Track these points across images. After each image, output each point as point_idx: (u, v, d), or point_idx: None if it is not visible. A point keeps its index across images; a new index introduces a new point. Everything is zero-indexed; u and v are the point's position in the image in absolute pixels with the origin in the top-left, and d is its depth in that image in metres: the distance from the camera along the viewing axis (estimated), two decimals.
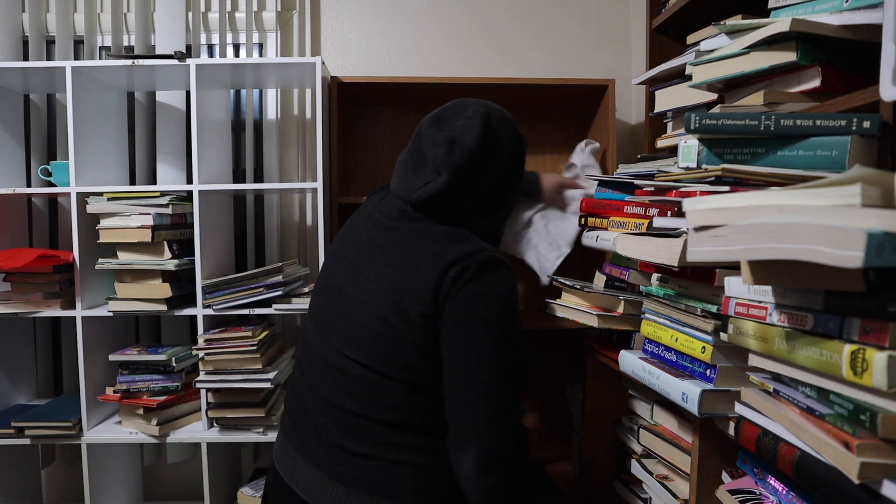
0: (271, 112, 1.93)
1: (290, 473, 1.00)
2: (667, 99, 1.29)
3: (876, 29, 0.77)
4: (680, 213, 0.98)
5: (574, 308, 1.36)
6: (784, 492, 0.83)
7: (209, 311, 1.59)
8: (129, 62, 1.58)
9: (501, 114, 1.07)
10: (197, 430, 1.63)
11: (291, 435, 1.02)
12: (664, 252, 0.94)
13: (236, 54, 2.01)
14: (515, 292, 0.97)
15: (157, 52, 1.84)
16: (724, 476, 0.99)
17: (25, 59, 1.91)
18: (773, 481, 0.86)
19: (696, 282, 0.93)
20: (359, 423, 0.94)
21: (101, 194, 1.60)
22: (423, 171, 1.01)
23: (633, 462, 1.35)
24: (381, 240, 1.01)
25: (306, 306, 1.60)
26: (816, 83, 0.87)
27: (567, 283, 1.42)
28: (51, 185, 1.83)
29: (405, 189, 1.03)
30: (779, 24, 0.86)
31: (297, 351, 1.09)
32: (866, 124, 0.78)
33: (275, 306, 1.60)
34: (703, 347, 0.90)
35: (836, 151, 0.80)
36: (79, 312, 1.60)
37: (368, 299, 0.96)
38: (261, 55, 1.99)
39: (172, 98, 1.88)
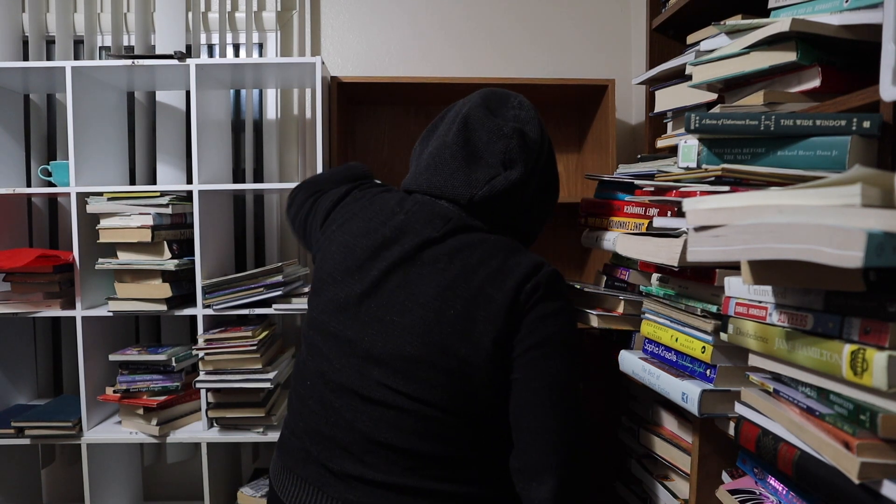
0: (271, 112, 1.93)
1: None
2: (667, 99, 1.29)
3: (876, 29, 0.77)
4: (680, 213, 0.98)
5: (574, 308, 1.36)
6: (784, 492, 0.83)
7: (209, 311, 1.59)
8: (129, 62, 1.58)
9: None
10: (197, 430, 1.63)
11: (310, 472, 0.90)
12: (664, 252, 0.94)
13: (236, 54, 2.01)
14: (574, 309, 0.93)
15: (157, 52, 1.84)
16: (724, 476, 0.99)
17: (25, 59, 1.91)
18: (773, 481, 0.86)
19: (696, 282, 0.93)
20: (407, 458, 0.85)
21: (101, 194, 1.60)
22: (482, 165, 0.93)
23: (633, 462, 1.36)
24: (426, 256, 0.89)
25: (306, 306, 1.60)
26: (816, 83, 0.87)
27: (567, 283, 1.42)
28: (51, 185, 1.83)
29: (460, 185, 0.92)
30: (779, 24, 0.86)
31: (300, 368, 0.98)
32: (866, 124, 0.78)
33: (275, 306, 1.60)
34: (703, 347, 0.90)
35: (836, 151, 0.80)
36: (79, 312, 1.60)
37: (425, 328, 0.85)
38: (261, 55, 1.99)
39: (172, 98, 1.88)
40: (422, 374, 0.85)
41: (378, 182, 1.12)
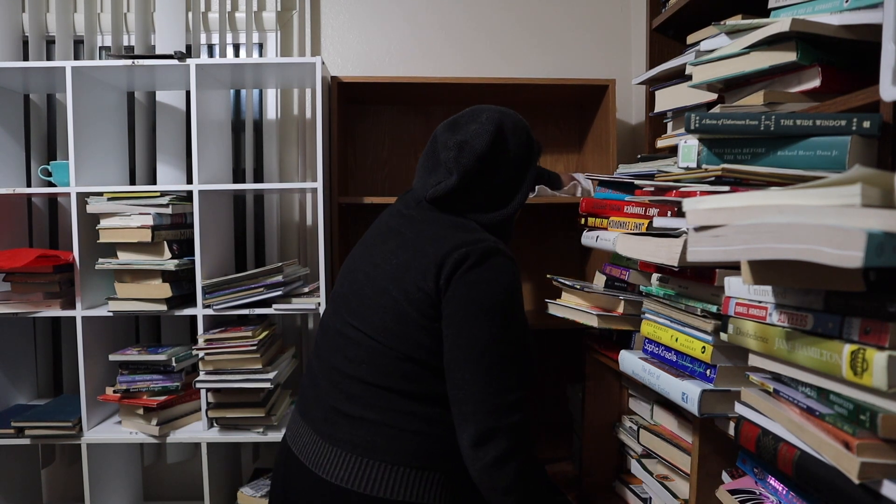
0: (271, 112, 1.93)
1: (293, 436, 1.07)
2: (667, 99, 1.29)
3: (876, 29, 0.77)
4: (680, 213, 0.98)
5: (574, 308, 1.36)
6: (784, 492, 0.83)
7: (209, 311, 1.59)
8: (129, 62, 1.58)
9: (515, 121, 1.14)
10: (197, 430, 1.63)
11: (300, 404, 1.09)
12: (664, 252, 0.94)
13: (236, 54, 2.01)
14: (516, 281, 1.01)
15: (157, 52, 1.84)
16: (724, 476, 0.99)
17: (25, 59, 1.91)
18: (773, 481, 0.86)
19: (696, 282, 0.93)
20: (353, 385, 0.99)
21: (101, 194, 1.60)
22: (437, 172, 1.10)
23: (633, 462, 1.36)
24: (396, 225, 1.10)
25: (306, 306, 1.61)
26: (816, 83, 0.87)
27: (567, 283, 1.42)
28: (51, 185, 1.83)
29: (422, 187, 1.12)
30: (779, 24, 0.86)
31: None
32: (866, 124, 0.78)
33: (275, 306, 1.60)
34: (703, 347, 0.90)
35: (836, 151, 0.80)
36: (79, 312, 1.60)
37: (376, 273, 1.04)
38: (261, 55, 1.99)
39: (172, 98, 1.88)
40: (367, 310, 1.02)
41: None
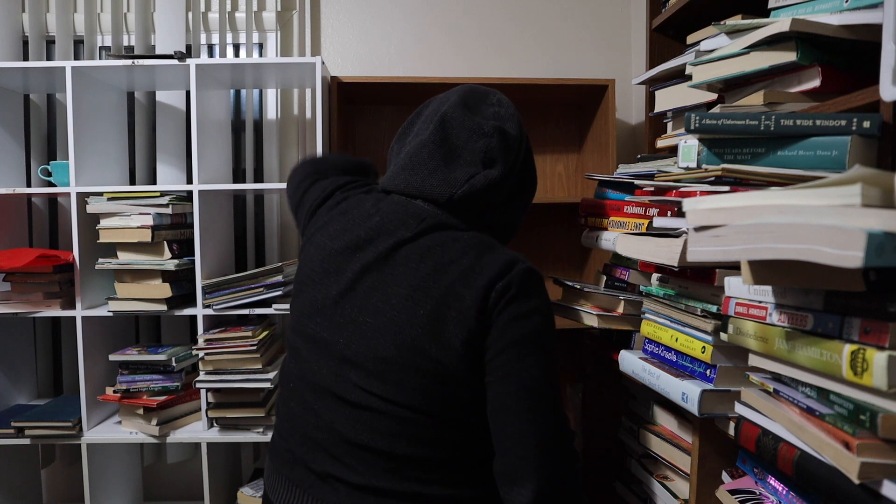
0: (271, 112, 1.93)
1: None
2: (667, 99, 1.29)
3: (876, 29, 0.77)
4: (680, 213, 0.98)
5: (574, 308, 1.36)
6: (784, 492, 0.83)
7: (209, 311, 1.59)
8: (129, 62, 1.58)
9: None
10: (197, 430, 1.63)
11: (297, 473, 0.91)
12: (664, 252, 0.94)
13: (236, 54, 2.01)
14: (551, 306, 0.90)
15: (157, 52, 1.84)
16: (724, 476, 0.99)
17: (25, 59, 1.91)
18: (773, 481, 0.86)
19: (696, 282, 0.93)
20: (385, 460, 0.85)
21: (101, 194, 1.60)
22: (461, 164, 0.91)
23: (633, 462, 1.36)
24: (398, 256, 0.88)
25: None
26: (816, 83, 0.87)
27: (567, 283, 1.42)
28: (51, 185, 1.83)
29: (436, 184, 0.91)
30: (779, 24, 0.86)
31: (285, 371, 0.97)
32: (866, 124, 0.78)
33: (275, 306, 1.60)
34: (703, 347, 0.90)
35: (836, 151, 0.80)
36: (79, 312, 1.60)
37: (395, 328, 0.84)
38: (261, 55, 1.99)
39: (172, 98, 1.88)
40: (394, 375, 0.84)
41: (366, 182, 1.09)
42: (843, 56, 0.89)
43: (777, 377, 0.78)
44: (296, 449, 0.91)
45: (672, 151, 1.27)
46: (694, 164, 0.90)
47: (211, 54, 2.01)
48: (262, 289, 1.58)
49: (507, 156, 0.93)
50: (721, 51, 1.01)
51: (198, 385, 1.57)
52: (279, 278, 1.58)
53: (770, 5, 0.98)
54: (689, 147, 0.92)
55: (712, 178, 0.88)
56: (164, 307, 1.60)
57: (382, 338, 0.85)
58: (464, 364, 0.83)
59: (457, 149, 0.92)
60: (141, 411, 1.60)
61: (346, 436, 0.85)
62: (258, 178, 1.99)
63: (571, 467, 0.84)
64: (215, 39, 1.96)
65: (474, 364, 0.84)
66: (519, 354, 0.83)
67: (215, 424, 1.64)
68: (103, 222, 1.58)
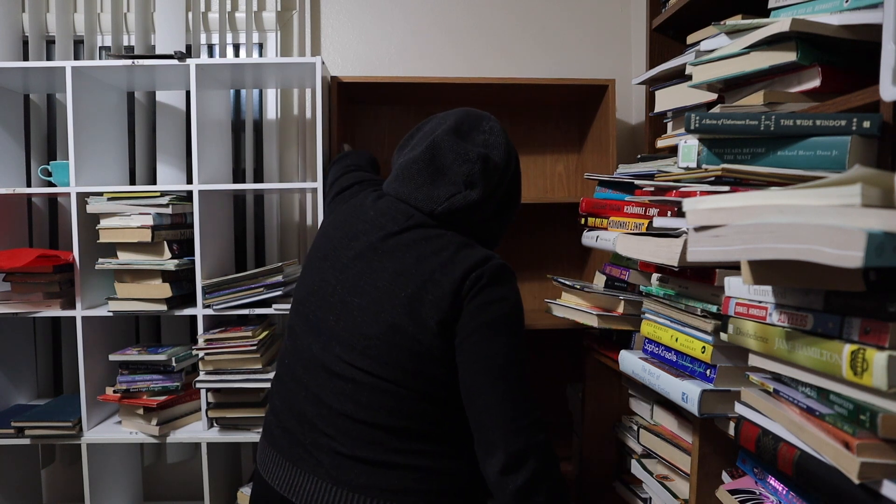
0: (271, 112, 1.93)
1: (289, 486, 0.97)
2: (667, 99, 1.29)
3: (876, 29, 0.77)
4: (680, 213, 0.98)
5: (574, 308, 1.36)
6: (784, 492, 0.83)
7: (209, 311, 1.59)
8: (129, 62, 1.58)
9: (502, 127, 1.12)
10: (197, 430, 1.63)
11: (284, 445, 0.99)
12: (664, 252, 0.94)
13: (236, 54, 2.01)
14: (520, 296, 1.00)
15: (157, 52, 1.84)
16: (724, 476, 0.99)
17: (25, 59, 1.91)
18: (773, 481, 0.86)
19: (696, 282, 0.93)
20: (368, 431, 0.93)
21: (101, 194, 1.60)
22: (444, 183, 1.02)
23: (633, 462, 1.36)
24: (386, 246, 0.99)
25: None
26: (816, 83, 0.87)
27: (567, 283, 1.42)
28: (51, 185, 1.83)
29: (423, 198, 1.03)
30: (779, 24, 0.86)
31: (282, 351, 1.07)
32: (866, 124, 0.78)
33: (275, 306, 1.60)
34: (703, 347, 0.90)
35: (836, 151, 0.80)
36: (79, 312, 1.60)
37: (379, 308, 0.95)
38: (261, 55, 1.99)
39: (172, 98, 1.88)
40: (375, 350, 0.94)
41: (378, 182, 1.21)
42: (843, 56, 0.89)
43: (777, 377, 0.78)
44: (286, 423, 0.99)
45: (672, 151, 1.27)
46: (694, 164, 0.90)
47: (211, 54, 2.01)
48: (262, 289, 1.58)
49: (487, 180, 1.03)
50: (721, 51, 1.01)
51: (198, 385, 1.57)
52: (279, 278, 1.58)
53: (770, 5, 0.98)
54: (689, 147, 0.92)
55: (712, 178, 0.88)
56: (164, 307, 1.60)
57: (367, 316, 0.95)
58: (437, 342, 0.93)
59: (444, 169, 1.03)
60: (141, 411, 1.60)
61: (331, 406, 0.95)
62: (258, 178, 1.99)
63: (537, 436, 0.91)
64: (215, 39, 1.96)
65: (447, 343, 0.94)
66: (487, 336, 0.93)
67: (215, 424, 1.64)
68: (103, 222, 1.58)
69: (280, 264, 1.61)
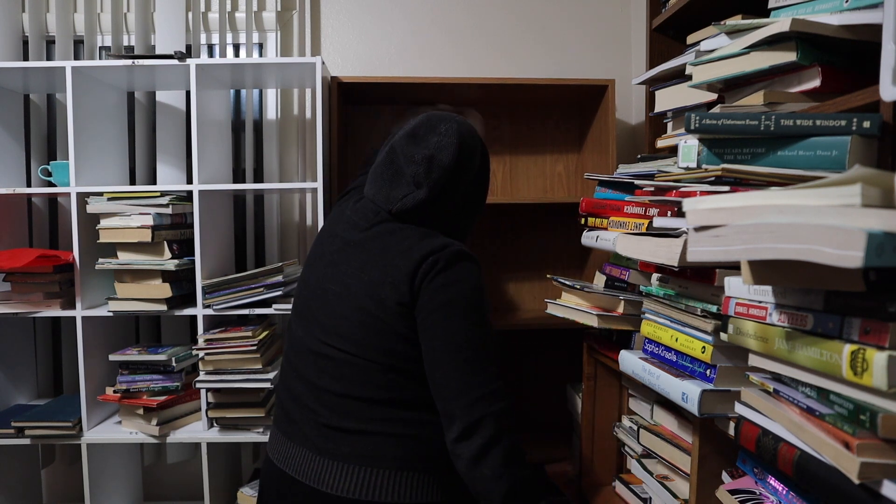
0: (271, 112, 1.93)
1: (284, 458, 1.07)
2: (667, 99, 1.29)
3: (876, 29, 0.77)
4: (680, 213, 0.98)
5: (574, 308, 1.36)
6: (784, 492, 0.83)
7: (209, 311, 1.59)
8: (129, 62, 1.58)
9: (469, 128, 1.15)
10: (197, 430, 1.63)
11: (283, 424, 1.10)
12: (664, 252, 0.94)
13: (236, 54, 2.01)
14: (481, 281, 1.06)
15: (157, 52, 1.84)
16: (724, 476, 0.99)
17: (25, 59, 1.91)
18: (773, 481, 0.86)
19: (696, 282, 0.93)
20: (345, 402, 1.02)
21: (101, 194, 1.60)
22: (400, 184, 1.10)
23: (633, 462, 1.36)
24: (357, 239, 1.10)
25: None
26: (816, 83, 0.87)
27: (567, 283, 1.42)
28: (51, 185, 1.83)
29: (383, 199, 1.12)
30: (779, 24, 0.86)
31: (284, 346, 1.20)
32: (866, 124, 0.78)
33: (275, 306, 1.60)
34: (703, 347, 0.90)
35: (836, 151, 0.80)
36: (79, 312, 1.60)
37: (349, 293, 1.05)
38: (261, 55, 1.99)
39: (172, 98, 1.88)
40: (346, 330, 1.04)
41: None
42: (843, 56, 0.89)
43: (777, 377, 0.78)
44: (284, 403, 1.11)
45: (672, 151, 1.27)
46: (694, 164, 0.90)
47: (211, 54, 2.01)
48: (262, 289, 1.58)
49: (432, 180, 1.09)
50: (721, 51, 1.01)
51: (198, 385, 1.57)
52: (279, 278, 1.58)
53: (770, 5, 0.98)
54: (689, 147, 0.92)
55: (712, 178, 0.88)
56: (164, 307, 1.60)
57: (339, 301, 1.06)
58: (400, 321, 1.01)
59: (399, 171, 1.11)
60: (141, 411, 1.60)
61: (314, 383, 1.05)
62: (258, 178, 1.99)
63: (492, 406, 0.97)
64: (215, 39, 1.96)
65: (410, 322, 1.02)
66: (445, 314, 1.00)
67: (215, 424, 1.64)
68: (103, 222, 1.58)
69: (280, 264, 1.61)
